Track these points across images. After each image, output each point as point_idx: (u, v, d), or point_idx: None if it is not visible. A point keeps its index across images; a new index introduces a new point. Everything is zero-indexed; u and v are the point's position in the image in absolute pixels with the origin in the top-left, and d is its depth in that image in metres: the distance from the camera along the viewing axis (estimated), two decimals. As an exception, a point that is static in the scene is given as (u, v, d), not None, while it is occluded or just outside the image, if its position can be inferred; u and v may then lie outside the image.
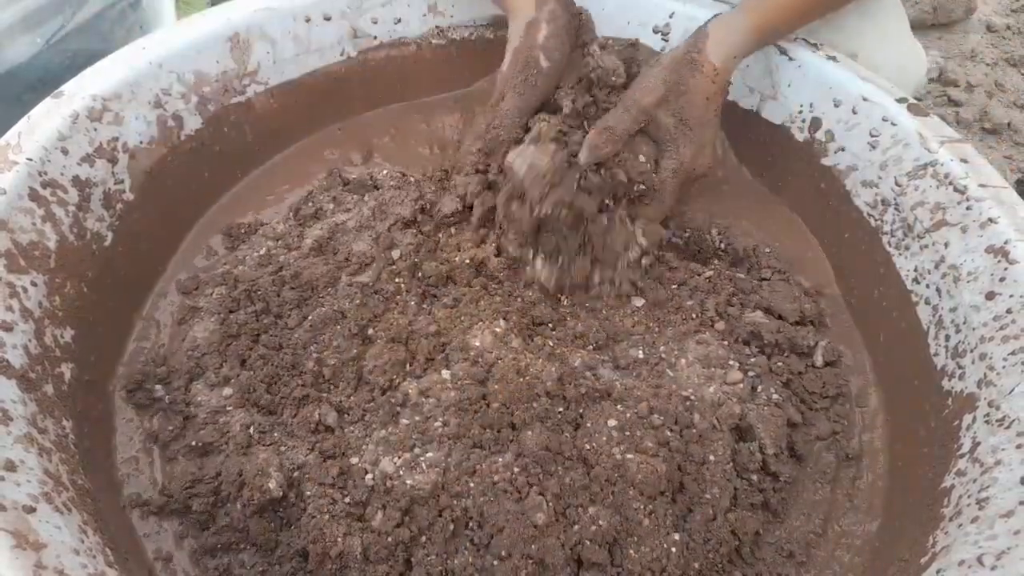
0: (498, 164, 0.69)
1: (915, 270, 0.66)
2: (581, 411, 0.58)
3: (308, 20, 0.77)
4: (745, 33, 0.69)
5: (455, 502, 0.52)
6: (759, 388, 0.63)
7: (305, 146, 0.82)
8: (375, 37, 0.82)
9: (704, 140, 0.69)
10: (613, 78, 0.69)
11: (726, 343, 0.66)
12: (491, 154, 0.70)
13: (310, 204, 0.75)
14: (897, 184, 0.68)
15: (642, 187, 0.67)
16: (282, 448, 0.56)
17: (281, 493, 0.52)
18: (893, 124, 0.69)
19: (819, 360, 0.67)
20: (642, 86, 0.68)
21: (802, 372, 0.66)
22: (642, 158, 0.68)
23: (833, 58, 0.74)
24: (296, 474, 0.54)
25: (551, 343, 0.64)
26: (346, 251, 0.69)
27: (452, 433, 0.55)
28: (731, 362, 0.64)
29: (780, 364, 0.66)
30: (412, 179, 0.76)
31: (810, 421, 0.64)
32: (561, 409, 0.57)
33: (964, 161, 0.64)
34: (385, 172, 0.78)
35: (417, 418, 0.57)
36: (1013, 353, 0.55)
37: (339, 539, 0.50)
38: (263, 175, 0.79)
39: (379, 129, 0.84)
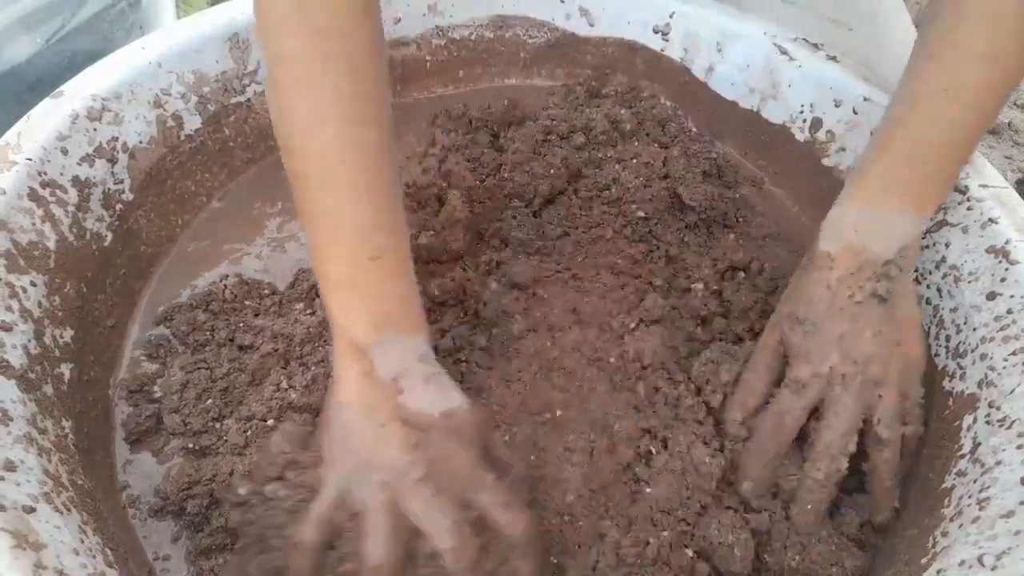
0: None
1: (916, 270, 0.66)
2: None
3: (308, 20, 0.77)
4: (859, 204, 0.57)
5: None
6: None
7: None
8: (375, 37, 0.82)
9: (850, 330, 0.54)
10: None
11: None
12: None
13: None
14: (897, 184, 0.68)
15: None
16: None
17: None
18: (893, 124, 0.69)
19: None
20: (765, 331, 0.59)
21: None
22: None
23: (833, 58, 0.74)
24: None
25: None
26: None
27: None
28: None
29: None
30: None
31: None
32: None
33: (964, 161, 0.64)
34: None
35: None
36: (1014, 353, 0.55)
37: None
38: (261, 174, 0.79)
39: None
